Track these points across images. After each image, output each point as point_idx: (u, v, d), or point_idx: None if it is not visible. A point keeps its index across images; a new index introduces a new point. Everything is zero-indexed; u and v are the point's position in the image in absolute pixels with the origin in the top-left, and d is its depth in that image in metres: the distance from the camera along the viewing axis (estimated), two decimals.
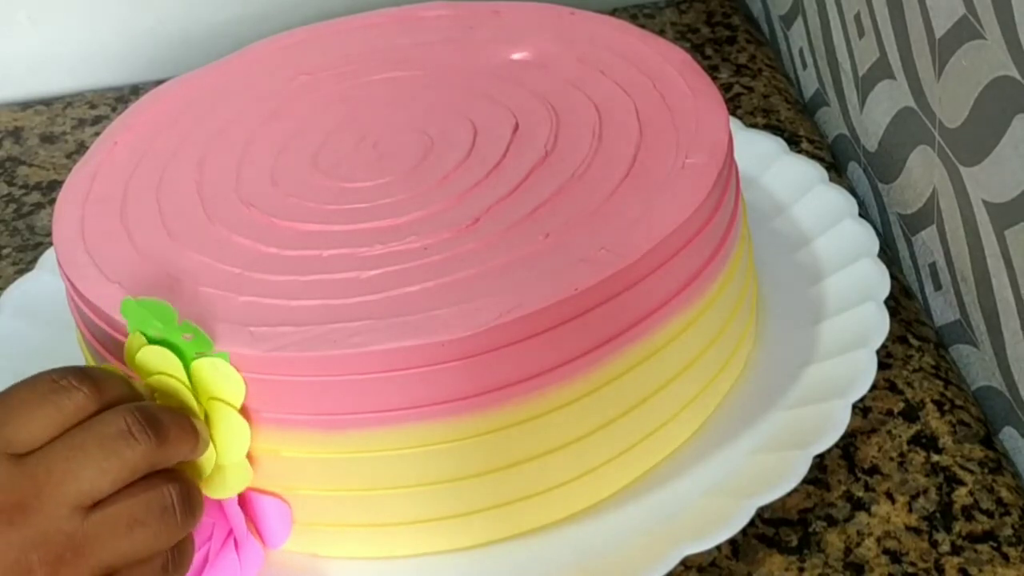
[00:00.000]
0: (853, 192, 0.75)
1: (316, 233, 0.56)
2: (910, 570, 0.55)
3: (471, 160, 0.59)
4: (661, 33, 0.91)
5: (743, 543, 0.56)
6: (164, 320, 0.49)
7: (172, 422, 0.46)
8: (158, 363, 0.49)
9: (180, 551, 0.46)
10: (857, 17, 0.73)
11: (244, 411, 0.50)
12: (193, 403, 0.49)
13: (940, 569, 0.55)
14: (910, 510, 0.57)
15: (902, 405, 0.62)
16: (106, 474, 0.43)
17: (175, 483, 0.45)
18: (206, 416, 0.49)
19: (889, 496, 0.58)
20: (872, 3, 0.70)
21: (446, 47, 0.67)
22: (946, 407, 0.62)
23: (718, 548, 0.56)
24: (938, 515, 0.57)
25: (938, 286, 0.68)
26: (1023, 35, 0.52)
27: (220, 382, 0.49)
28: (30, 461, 0.43)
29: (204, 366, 0.49)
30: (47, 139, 0.89)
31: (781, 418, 0.58)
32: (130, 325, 0.50)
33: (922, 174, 0.67)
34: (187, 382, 0.49)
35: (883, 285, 0.62)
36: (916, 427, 0.61)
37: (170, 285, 0.54)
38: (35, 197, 0.84)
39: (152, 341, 0.49)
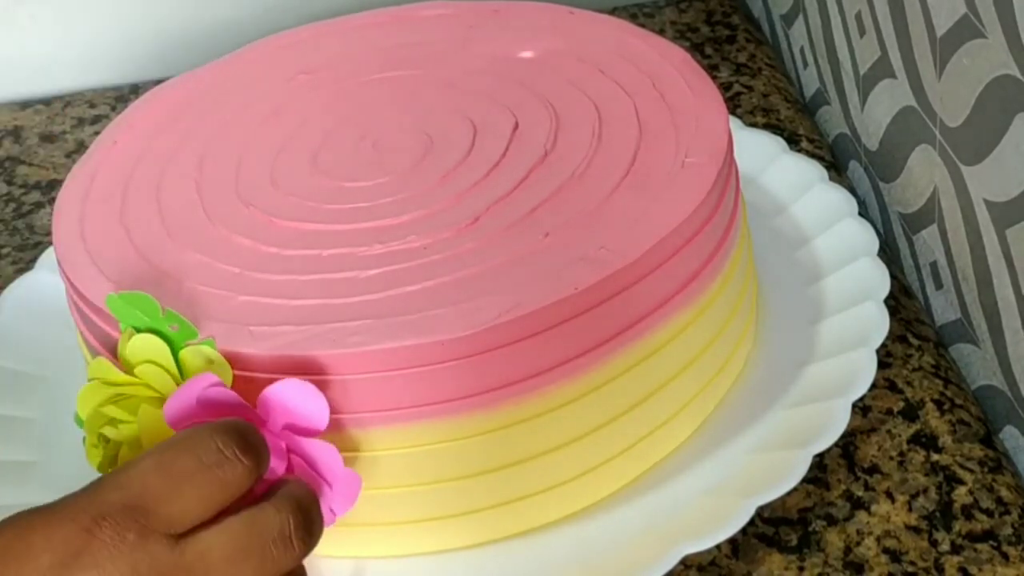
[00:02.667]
0: (853, 191, 0.75)
1: (316, 232, 0.56)
2: (910, 569, 0.55)
3: (471, 159, 0.58)
4: (661, 32, 0.91)
5: (743, 542, 0.56)
6: (148, 312, 0.49)
7: (319, 518, 0.44)
8: (146, 352, 0.49)
9: None
10: (858, 16, 0.73)
11: None
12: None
13: (940, 568, 0.55)
14: (910, 509, 0.57)
15: (902, 404, 0.62)
16: None
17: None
18: None
19: (889, 495, 0.58)
20: (873, 2, 0.70)
21: (446, 46, 0.67)
22: (946, 406, 0.62)
23: (718, 547, 0.55)
24: (938, 514, 0.57)
25: (939, 285, 0.68)
26: None
27: (207, 369, 0.49)
28: (190, 552, 0.41)
29: (191, 354, 0.49)
30: (47, 138, 0.89)
31: (781, 417, 0.58)
32: (118, 319, 0.50)
33: (923, 173, 0.67)
34: (175, 370, 0.49)
35: (883, 284, 0.62)
36: (916, 426, 0.61)
37: (170, 284, 0.54)
38: (35, 196, 0.84)
39: (143, 333, 0.49)
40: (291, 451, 0.48)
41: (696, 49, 0.89)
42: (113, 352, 0.53)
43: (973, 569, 0.55)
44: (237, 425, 0.43)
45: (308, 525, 0.43)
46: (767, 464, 0.55)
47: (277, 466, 0.48)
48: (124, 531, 0.40)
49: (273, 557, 0.42)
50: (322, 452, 0.49)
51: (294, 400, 0.48)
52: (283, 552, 0.42)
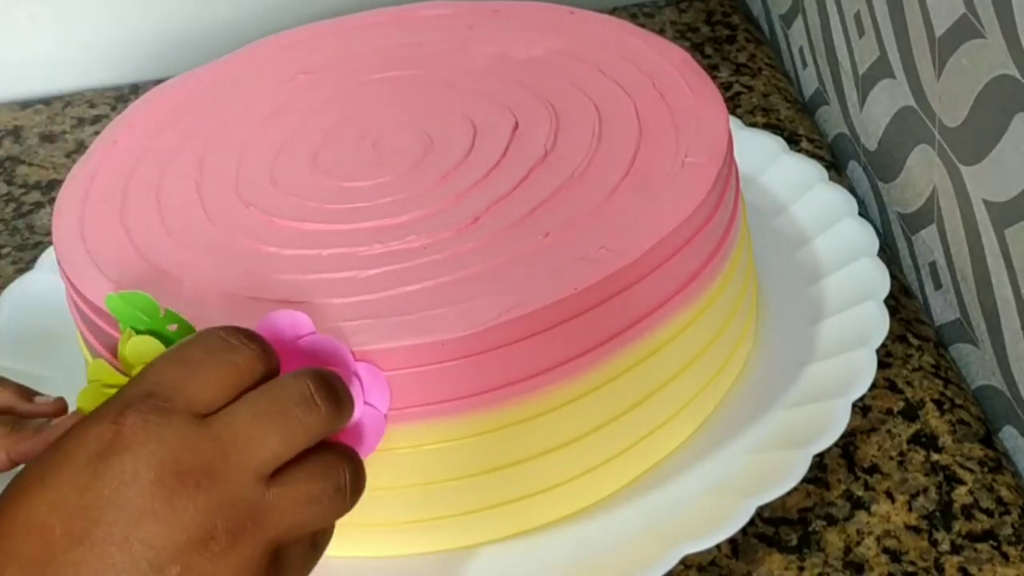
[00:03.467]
0: (853, 191, 0.75)
1: (316, 232, 0.56)
2: (910, 569, 0.55)
3: (471, 159, 0.58)
4: (661, 32, 0.91)
5: (743, 542, 0.56)
6: (148, 312, 0.49)
7: (343, 387, 0.45)
8: (145, 353, 0.49)
9: (323, 532, 0.45)
10: (857, 16, 0.73)
11: None
12: None
13: (940, 568, 0.55)
14: (910, 509, 0.57)
15: (902, 404, 0.62)
16: (289, 442, 0.42)
17: (349, 462, 0.44)
18: None
19: (889, 495, 0.58)
20: (872, 2, 0.70)
21: (446, 46, 0.67)
22: (946, 406, 0.62)
23: (718, 547, 0.56)
24: (938, 514, 0.57)
25: (938, 285, 0.68)
26: (1023, 34, 0.52)
27: None
28: (215, 424, 0.42)
29: None
30: (47, 138, 0.89)
31: (781, 417, 0.58)
32: (117, 319, 0.50)
33: (922, 173, 0.67)
34: None
35: (883, 284, 0.62)
36: (916, 426, 0.61)
37: (169, 284, 0.54)
38: (35, 196, 0.84)
39: (142, 335, 0.49)
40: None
41: (696, 49, 0.89)
42: (113, 352, 0.53)
43: (973, 569, 0.55)
44: (237, 326, 0.45)
45: (329, 387, 0.43)
46: (767, 464, 0.55)
47: None
48: (147, 414, 0.41)
49: (299, 417, 0.42)
50: (329, 347, 0.49)
51: (282, 327, 0.49)
52: (307, 412, 0.42)
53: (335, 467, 0.43)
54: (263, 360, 0.44)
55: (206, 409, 0.42)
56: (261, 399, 0.43)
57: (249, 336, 0.44)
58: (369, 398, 0.49)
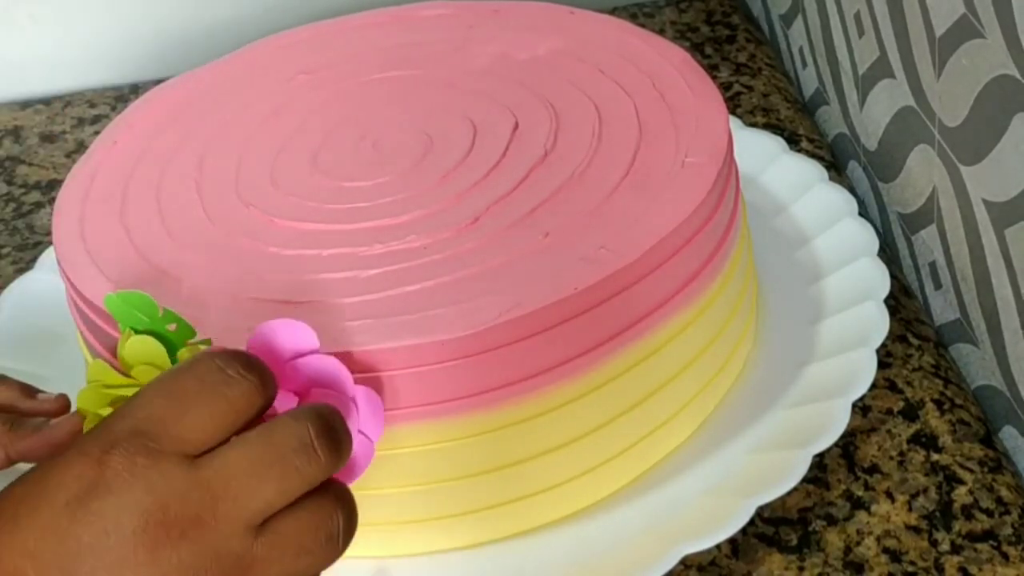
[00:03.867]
0: (853, 191, 0.75)
1: (316, 232, 0.56)
2: (910, 569, 0.55)
3: (471, 159, 0.58)
4: (661, 32, 0.91)
5: (743, 542, 0.56)
6: (147, 312, 0.49)
7: (343, 429, 0.42)
8: (144, 353, 0.49)
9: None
10: (857, 16, 0.73)
11: None
12: None
13: (940, 568, 0.55)
14: (910, 509, 0.57)
15: (902, 404, 0.62)
16: (285, 493, 0.40)
17: (343, 507, 0.42)
18: None
19: (889, 495, 0.58)
20: (872, 2, 0.70)
21: (446, 46, 0.67)
22: (946, 406, 0.62)
23: (718, 547, 0.56)
24: (938, 514, 0.57)
25: (938, 285, 0.68)
26: (1023, 34, 0.52)
27: None
28: (206, 469, 0.39)
29: (189, 354, 0.49)
30: (47, 138, 0.89)
31: (781, 417, 0.58)
32: (116, 319, 0.50)
33: (922, 173, 0.67)
34: None
35: (883, 284, 0.62)
36: (916, 426, 0.61)
37: (169, 284, 0.54)
38: (35, 196, 0.84)
39: (141, 335, 0.49)
40: (300, 390, 0.47)
41: (696, 49, 0.89)
42: (113, 352, 0.53)
43: (973, 569, 0.55)
44: (236, 350, 0.42)
45: (330, 433, 0.41)
46: (767, 464, 0.55)
47: (290, 401, 0.46)
48: (134, 455, 0.39)
49: (296, 467, 0.40)
50: (329, 369, 0.47)
51: (282, 337, 0.47)
52: (306, 461, 0.40)
53: (329, 514, 0.41)
54: (261, 393, 0.41)
55: (197, 449, 0.40)
56: (258, 444, 0.40)
57: (247, 366, 0.41)
58: (363, 426, 0.47)
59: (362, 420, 0.47)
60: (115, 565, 0.37)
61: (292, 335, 0.46)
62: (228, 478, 0.39)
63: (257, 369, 0.41)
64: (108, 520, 0.38)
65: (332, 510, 0.41)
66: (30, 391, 0.54)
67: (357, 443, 0.46)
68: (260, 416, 0.42)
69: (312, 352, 0.46)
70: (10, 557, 0.38)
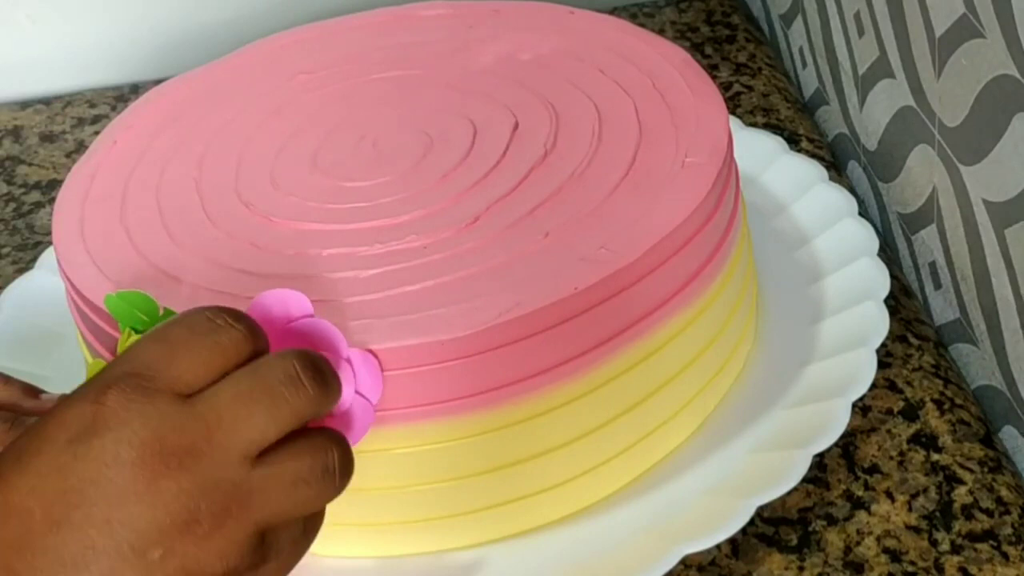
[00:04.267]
0: (853, 191, 0.75)
1: (316, 232, 0.56)
2: (910, 569, 0.55)
3: (471, 159, 0.59)
4: (661, 32, 0.91)
5: (743, 542, 0.56)
6: (147, 311, 0.49)
7: (329, 368, 0.44)
8: None
9: (316, 514, 0.44)
10: (857, 16, 0.73)
11: None
12: None
13: (940, 568, 0.55)
14: (910, 509, 0.57)
15: (902, 404, 0.62)
16: (275, 422, 0.41)
17: (337, 444, 0.43)
18: None
19: (889, 495, 0.58)
20: (872, 2, 0.70)
21: (446, 46, 0.67)
22: (946, 406, 0.62)
23: (718, 547, 0.55)
24: (938, 514, 0.57)
25: (938, 285, 0.68)
26: (1023, 34, 0.52)
27: None
28: (199, 404, 0.41)
29: None
30: (47, 138, 0.89)
31: (781, 417, 0.58)
32: (116, 319, 0.50)
33: (922, 173, 0.67)
34: None
35: (883, 284, 0.62)
36: (916, 426, 0.61)
37: (169, 284, 0.54)
38: (35, 196, 0.84)
39: (140, 334, 0.49)
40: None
41: (696, 49, 0.89)
42: (113, 352, 0.53)
43: (973, 569, 0.55)
44: (224, 307, 0.44)
45: (315, 366, 0.42)
46: (767, 464, 0.55)
47: None
48: (129, 394, 0.40)
49: (284, 396, 0.41)
50: (324, 331, 0.48)
51: (276, 305, 0.48)
52: (293, 392, 0.41)
53: (322, 448, 0.42)
54: (250, 340, 0.43)
55: (190, 389, 0.41)
56: (245, 379, 0.41)
57: (236, 316, 0.43)
58: (360, 387, 0.48)
59: (359, 381, 0.48)
60: (117, 497, 0.39)
61: (286, 303, 0.47)
62: (220, 409, 0.41)
63: (245, 320, 0.43)
64: (107, 455, 0.39)
65: (327, 445, 0.43)
66: (33, 391, 0.55)
67: (356, 404, 0.48)
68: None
69: (304, 316, 0.47)
70: (18, 497, 0.39)
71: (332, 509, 0.54)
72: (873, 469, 0.59)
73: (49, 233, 0.77)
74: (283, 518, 0.42)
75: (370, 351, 0.49)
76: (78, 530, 0.38)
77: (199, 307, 0.43)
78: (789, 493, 0.54)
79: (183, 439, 0.40)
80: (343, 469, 0.43)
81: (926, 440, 0.60)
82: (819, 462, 0.59)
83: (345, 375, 0.47)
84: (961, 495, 0.58)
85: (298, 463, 0.42)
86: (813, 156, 0.76)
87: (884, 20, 0.68)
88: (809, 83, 0.85)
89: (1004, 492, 0.58)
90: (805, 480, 0.55)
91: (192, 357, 0.41)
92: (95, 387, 0.41)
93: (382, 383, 0.49)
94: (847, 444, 0.60)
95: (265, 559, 0.41)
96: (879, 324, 0.60)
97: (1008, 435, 0.61)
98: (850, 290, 0.63)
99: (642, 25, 0.88)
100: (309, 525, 0.44)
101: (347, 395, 0.48)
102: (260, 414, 0.41)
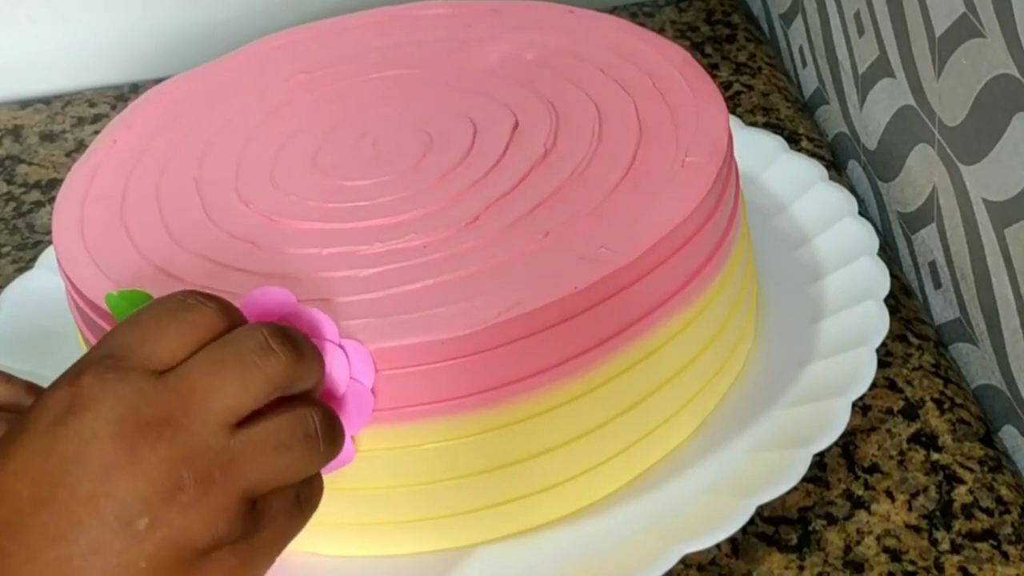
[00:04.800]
0: (853, 190, 0.75)
1: (315, 231, 0.56)
2: (910, 568, 0.55)
3: (471, 158, 0.58)
4: (661, 31, 0.91)
5: (743, 541, 0.56)
6: None
7: (302, 338, 0.45)
8: None
9: (311, 485, 0.45)
10: (857, 15, 0.73)
11: None
12: None
13: (940, 567, 0.55)
14: (910, 508, 0.57)
15: (902, 403, 0.62)
16: (248, 388, 0.42)
17: (317, 409, 0.44)
18: None
19: (889, 494, 0.58)
20: (872, 1, 0.70)
21: (445, 45, 0.67)
22: (946, 405, 0.62)
23: (718, 546, 0.55)
24: (938, 513, 0.57)
25: (938, 284, 0.68)
26: (1023, 33, 0.52)
27: None
28: (172, 377, 0.42)
29: None
30: (47, 137, 0.89)
31: (781, 416, 0.58)
32: (117, 318, 0.50)
33: (922, 172, 0.67)
34: None
35: (883, 283, 0.62)
36: (916, 425, 0.61)
37: (169, 284, 0.54)
38: (35, 195, 0.84)
39: None
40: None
41: (696, 48, 0.89)
42: None
43: (973, 568, 0.55)
44: (196, 290, 0.45)
45: (285, 334, 0.43)
46: (767, 463, 0.55)
47: None
48: (103, 372, 0.41)
49: (256, 363, 0.42)
50: (315, 320, 0.48)
51: (265, 303, 0.49)
52: (264, 358, 0.42)
53: (303, 414, 0.43)
54: (223, 317, 0.43)
55: (164, 366, 0.42)
56: (216, 349, 0.42)
57: (207, 296, 0.44)
58: (355, 374, 0.49)
59: (353, 368, 0.49)
60: (99, 471, 0.40)
61: (273, 298, 0.48)
62: (193, 379, 0.42)
63: (217, 300, 0.44)
64: (86, 432, 0.40)
65: (307, 411, 0.43)
66: (35, 390, 0.55)
67: (352, 389, 0.48)
68: None
69: (294, 308, 0.48)
70: (5, 481, 0.40)
71: (331, 509, 0.54)
72: (873, 468, 0.59)
73: (49, 232, 0.77)
74: (270, 484, 0.42)
75: (358, 341, 0.49)
76: (63, 506, 0.39)
77: (172, 292, 0.44)
78: (789, 492, 0.54)
79: (159, 411, 0.41)
80: (327, 435, 0.44)
81: (926, 439, 0.60)
82: (819, 461, 0.59)
83: (338, 360, 0.48)
84: (961, 494, 0.58)
85: (277, 427, 0.42)
86: (813, 155, 0.76)
87: (884, 19, 0.68)
88: (809, 82, 0.85)
89: (1004, 491, 0.58)
90: (805, 479, 0.55)
91: (164, 334, 0.42)
92: (72, 372, 0.42)
93: (374, 369, 0.50)
94: (847, 443, 0.60)
95: (257, 528, 0.42)
96: (879, 323, 0.60)
97: (1008, 434, 0.61)
98: (850, 289, 0.63)
99: (642, 24, 0.88)
100: (303, 495, 0.44)
101: (342, 380, 0.48)
102: (233, 381, 0.42)
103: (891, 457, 0.59)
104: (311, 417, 0.43)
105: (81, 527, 0.39)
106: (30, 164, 0.87)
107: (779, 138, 0.72)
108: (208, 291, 0.53)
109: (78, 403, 0.40)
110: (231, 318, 0.44)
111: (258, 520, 0.42)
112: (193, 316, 0.43)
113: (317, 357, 0.45)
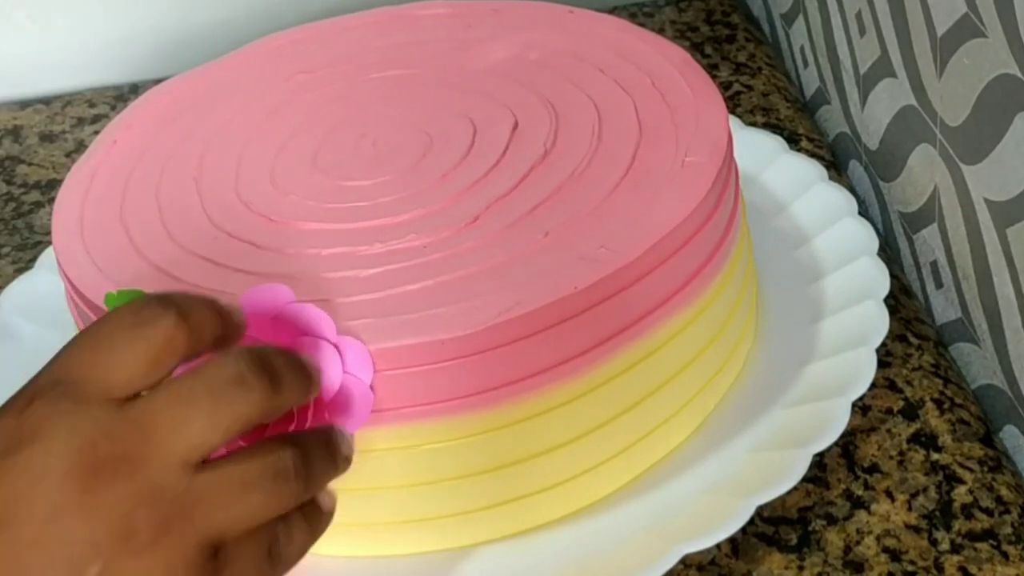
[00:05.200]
0: (854, 190, 0.75)
1: (315, 231, 0.56)
2: (910, 568, 0.55)
3: (470, 158, 0.58)
4: (660, 31, 0.91)
5: (743, 541, 0.56)
6: None
7: (286, 366, 0.40)
8: None
9: (289, 538, 0.41)
10: (858, 15, 0.73)
11: None
12: None
13: (940, 567, 0.55)
14: (910, 508, 0.57)
15: (902, 403, 0.62)
16: (217, 426, 0.38)
17: (292, 446, 0.40)
18: None
19: (889, 494, 0.58)
20: (873, 1, 0.70)
21: (445, 45, 0.67)
22: (945, 405, 0.62)
23: (718, 546, 0.55)
24: (938, 513, 0.57)
25: (939, 284, 0.68)
26: None
27: None
28: (133, 408, 0.38)
29: None
30: (46, 138, 0.89)
31: (781, 416, 0.58)
32: None
33: (923, 172, 0.67)
34: None
35: (883, 283, 0.62)
36: (916, 425, 0.61)
37: (169, 284, 0.54)
38: (34, 196, 0.84)
39: None
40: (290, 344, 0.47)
41: (696, 48, 0.89)
42: None
43: (973, 568, 0.55)
44: (158, 294, 0.41)
45: (264, 363, 0.40)
46: (767, 463, 0.55)
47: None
48: (56, 401, 0.38)
49: (227, 400, 0.39)
50: (310, 317, 0.47)
51: (263, 300, 0.48)
52: (238, 393, 0.39)
53: (273, 449, 0.39)
54: (180, 328, 0.39)
55: (123, 392, 0.38)
56: (185, 380, 0.39)
57: (163, 302, 0.39)
58: (350, 368, 0.48)
59: (349, 364, 0.48)
60: (48, 512, 0.36)
61: (270, 295, 0.47)
62: (156, 413, 0.38)
63: (175, 303, 0.40)
64: (36, 467, 0.37)
65: (277, 447, 0.40)
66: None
67: (351, 385, 0.48)
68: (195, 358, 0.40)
69: (289, 304, 0.47)
70: None
71: None
72: (873, 468, 0.59)
73: (49, 233, 0.77)
74: (234, 528, 0.39)
75: (357, 339, 0.49)
76: (9, 551, 0.36)
77: (128, 303, 0.40)
78: (789, 493, 0.54)
79: (116, 446, 0.37)
80: (301, 472, 0.40)
81: (926, 439, 0.60)
82: (819, 461, 0.59)
83: (331, 358, 0.47)
84: (961, 494, 0.57)
85: (244, 467, 0.39)
86: (813, 155, 0.76)
87: (885, 19, 0.68)
88: (810, 82, 0.85)
89: (1004, 491, 0.58)
90: (805, 479, 0.55)
91: (119, 355, 0.39)
92: (22, 399, 0.38)
93: (372, 365, 0.49)
94: (847, 443, 0.60)
95: None
96: (879, 323, 0.60)
97: (1009, 434, 0.61)
98: (850, 289, 0.63)
99: (642, 25, 0.88)
100: (275, 549, 0.40)
101: (335, 376, 0.48)
102: (199, 417, 0.38)
103: (891, 457, 0.59)
104: (282, 453, 0.40)
105: (27, 573, 0.36)
106: (30, 164, 0.87)
107: (779, 138, 0.72)
108: (208, 291, 0.53)
109: (27, 435, 0.37)
110: (191, 324, 0.39)
111: (219, 570, 0.38)
112: (148, 331, 0.39)
113: (297, 382, 0.41)
